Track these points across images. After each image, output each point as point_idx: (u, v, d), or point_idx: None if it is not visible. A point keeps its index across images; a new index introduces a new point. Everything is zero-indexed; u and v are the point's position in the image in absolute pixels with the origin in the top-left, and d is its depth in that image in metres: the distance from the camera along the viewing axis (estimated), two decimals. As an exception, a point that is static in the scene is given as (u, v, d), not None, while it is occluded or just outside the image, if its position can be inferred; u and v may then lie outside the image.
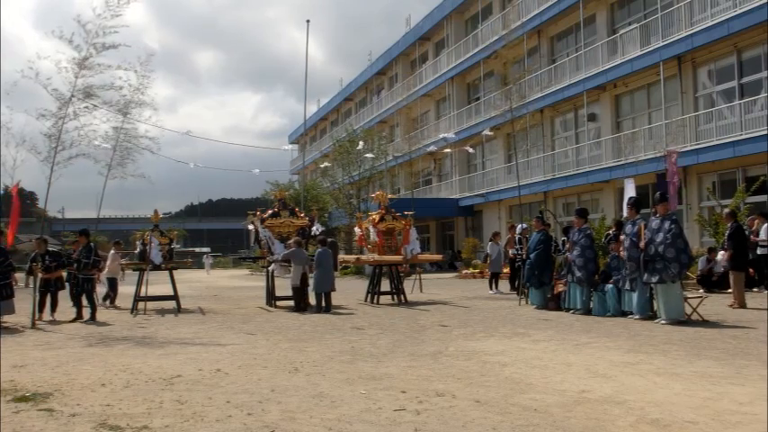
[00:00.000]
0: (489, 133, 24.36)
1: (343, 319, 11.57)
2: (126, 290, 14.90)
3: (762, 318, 10.04)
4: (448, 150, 29.70)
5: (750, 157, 19.23)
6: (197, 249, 71.62)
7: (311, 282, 13.35)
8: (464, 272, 27.03)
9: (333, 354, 7.61)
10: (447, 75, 37.05)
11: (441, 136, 26.48)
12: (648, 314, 10.28)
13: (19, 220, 13.24)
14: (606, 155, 25.18)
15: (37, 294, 12.08)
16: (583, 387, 5.51)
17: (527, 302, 13.41)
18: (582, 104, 26.75)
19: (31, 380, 6.31)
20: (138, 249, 14.64)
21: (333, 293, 13.54)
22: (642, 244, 9.99)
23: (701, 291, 14.05)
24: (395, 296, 14.99)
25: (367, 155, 30.25)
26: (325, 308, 12.86)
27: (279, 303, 14.54)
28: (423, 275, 20.09)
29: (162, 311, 13.84)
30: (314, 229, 15.33)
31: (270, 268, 14.72)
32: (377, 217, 15.72)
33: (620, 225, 12.06)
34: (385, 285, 15.67)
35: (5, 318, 12.14)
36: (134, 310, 13.72)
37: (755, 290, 14.60)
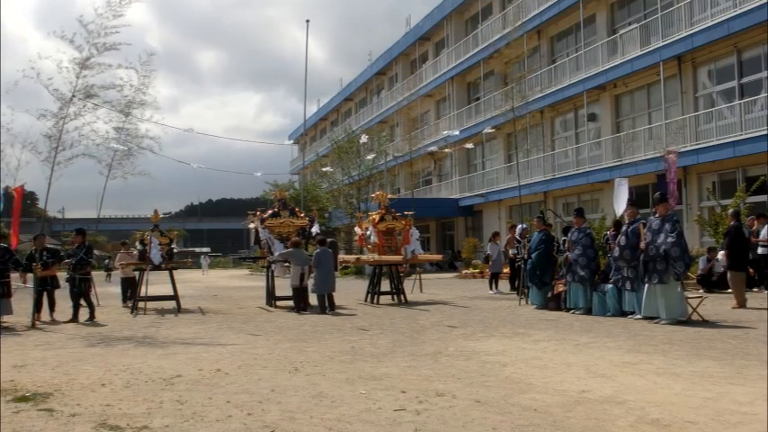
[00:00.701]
0: (490, 131, 24.39)
1: (344, 319, 11.57)
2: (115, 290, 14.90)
3: (762, 318, 10.04)
4: (448, 150, 29.70)
5: (750, 157, 19.23)
6: (197, 249, 71.62)
7: (310, 283, 13.31)
8: (464, 272, 27.03)
9: (333, 354, 7.61)
10: (447, 75, 37.05)
11: (445, 133, 26.45)
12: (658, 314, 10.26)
13: (19, 221, 13.23)
14: (606, 155, 25.18)
15: (36, 294, 12.06)
16: (583, 387, 5.51)
17: (527, 302, 13.41)
18: (582, 104, 26.75)
19: (31, 380, 6.31)
20: (138, 249, 14.62)
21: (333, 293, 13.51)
22: (643, 245, 9.98)
23: (701, 291, 14.05)
24: (395, 296, 14.99)
25: (368, 156, 30.19)
26: (329, 308, 12.81)
27: (279, 303, 14.54)
28: (423, 275, 20.09)
29: (162, 311, 13.84)
30: (314, 229, 15.33)
31: (272, 268, 14.73)
32: (377, 217, 15.72)
33: (618, 225, 12.06)
34: (385, 285, 15.67)
35: (5, 318, 12.14)
36: (134, 310, 13.73)
37: (755, 290, 14.60)
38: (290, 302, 13.88)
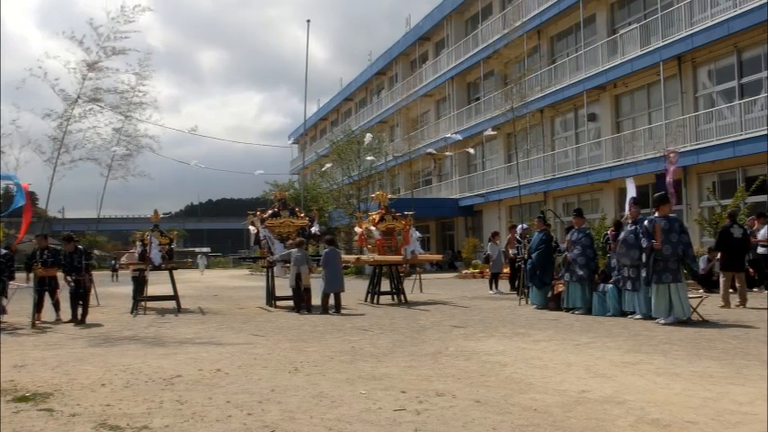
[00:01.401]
0: (492, 133, 24.37)
1: (344, 319, 11.56)
2: (125, 290, 14.89)
3: (762, 318, 10.04)
4: (448, 153, 29.70)
5: (750, 157, 19.23)
6: (197, 249, 71.57)
7: (317, 282, 13.25)
8: (464, 272, 27.03)
9: (333, 354, 7.61)
10: (447, 75, 37.05)
11: (446, 136, 26.43)
12: (650, 314, 10.27)
13: (30, 219, 13.14)
14: (606, 155, 25.18)
15: (35, 294, 12.06)
16: (583, 387, 5.51)
17: (527, 302, 13.41)
18: (582, 104, 26.76)
19: (31, 380, 6.31)
20: (138, 249, 14.61)
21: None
22: (657, 244, 9.91)
23: (701, 291, 14.05)
24: (395, 296, 14.99)
25: (368, 157, 30.11)
26: (335, 309, 12.77)
27: (279, 303, 14.54)
28: (423, 275, 20.09)
29: (162, 311, 13.84)
30: (314, 228, 15.33)
31: (275, 268, 14.72)
32: (377, 217, 15.72)
33: (618, 225, 12.05)
34: (385, 285, 15.67)
35: (6, 318, 12.15)
36: (134, 310, 13.73)
37: (755, 290, 14.60)
38: (291, 302, 13.88)
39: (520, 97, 17.74)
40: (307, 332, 9.80)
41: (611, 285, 11.17)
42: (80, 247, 12.86)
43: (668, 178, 13.13)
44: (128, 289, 15.68)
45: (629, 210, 11.25)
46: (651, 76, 23.52)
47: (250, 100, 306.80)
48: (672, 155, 13.38)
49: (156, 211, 15.41)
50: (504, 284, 17.89)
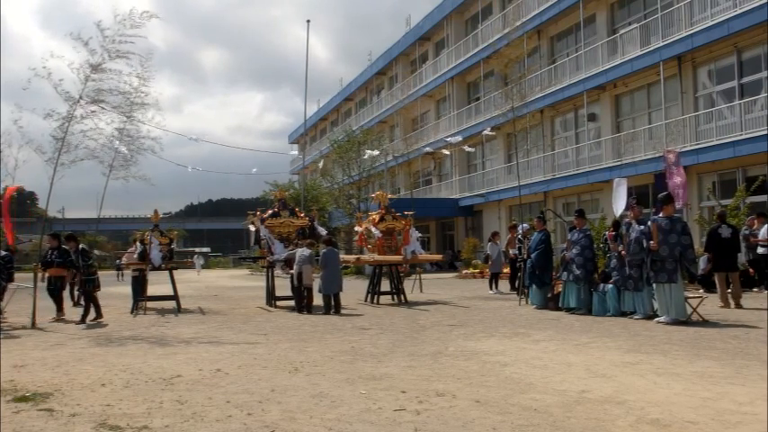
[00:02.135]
0: (491, 133, 24.37)
1: (344, 319, 11.57)
2: (125, 290, 14.89)
3: (762, 318, 10.05)
4: (446, 152, 29.66)
5: (750, 157, 19.22)
6: (197, 249, 71.53)
7: (317, 283, 13.25)
8: (464, 272, 27.03)
9: (333, 354, 7.61)
10: (447, 75, 37.05)
11: (448, 139, 26.36)
12: (650, 314, 10.28)
13: (12, 219, 13.18)
14: (606, 155, 25.18)
15: (37, 294, 12.06)
16: (583, 387, 5.51)
17: (527, 302, 13.41)
18: (582, 104, 26.75)
19: (31, 380, 6.31)
20: (137, 250, 14.60)
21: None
22: (654, 245, 9.94)
23: (701, 291, 14.05)
24: (395, 296, 14.99)
25: (373, 152, 29.96)
26: (335, 310, 12.77)
27: (279, 303, 14.53)
28: (423, 275, 20.09)
29: (162, 311, 13.84)
30: (321, 229, 15.33)
31: (273, 268, 14.72)
32: (377, 217, 15.72)
33: (617, 226, 12.05)
34: (385, 285, 15.67)
35: (6, 318, 12.15)
36: (134, 310, 13.73)
37: (755, 290, 14.61)
38: (291, 302, 13.88)
39: (520, 97, 17.71)
40: (307, 332, 9.80)
41: (611, 285, 11.18)
42: (82, 246, 12.88)
43: (678, 179, 13.17)
44: (128, 289, 15.67)
45: (631, 210, 11.24)
46: (651, 76, 23.51)
47: (252, 99, 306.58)
48: (671, 155, 13.41)
49: (156, 211, 15.42)
50: (504, 284, 17.89)
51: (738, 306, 11.74)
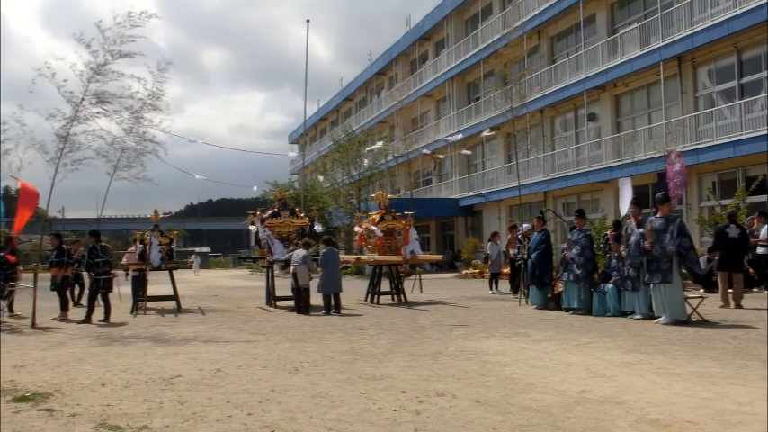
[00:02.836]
0: (490, 134, 24.36)
1: (344, 319, 11.57)
2: (125, 290, 14.89)
3: (762, 318, 10.05)
4: (441, 157, 29.67)
5: (750, 157, 19.22)
6: (196, 249, 71.48)
7: (315, 283, 13.24)
8: (464, 272, 27.02)
9: (333, 354, 7.61)
10: (447, 75, 37.04)
11: (445, 137, 26.36)
12: (649, 314, 10.28)
13: (28, 215, 13.06)
14: (606, 155, 25.18)
15: (38, 294, 12.06)
16: (583, 387, 5.51)
17: (527, 302, 13.41)
18: (582, 104, 26.75)
19: (31, 380, 6.31)
20: (138, 250, 14.60)
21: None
22: (648, 245, 9.96)
23: (701, 291, 14.05)
24: (395, 296, 14.99)
25: (376, 145, 29.77)
26: (335, 309, 12.77)
27: (279, 303, 14.53)
28: (423, 275, 20.09)
29: (162, 311, 13.84)
30: (316, 227, 15.33)
31: (273, 268, 14.71)
32: (377, 217, 15.73)
33: (618, 226, 12.06)
34: (385, 285, 15.67)
35: (6, 318, 12.16)
36: (134, 310, 13.72)
37: (755, 290, 14.60)
38: (291, 302, 13.87)
39: (519, 97, 17.71)
40: (307, 332, 9.80)
41: (611, 285, 11.18)
42: (92, 243, 12.79)
43: (681, 178, 13.16)
44: (123, 289, 15.70)
45: (631, 210, 11.25)
46: (651, 76, 23.51)
47: (254, 99, 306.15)
48: (673, 155, 13.40)
49: (156, 211, 15.42)
50: (504, 284, 17.89)
51: (739, 306, 11.74)
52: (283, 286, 15.12)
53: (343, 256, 19.82)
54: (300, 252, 13.08)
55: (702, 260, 15.70)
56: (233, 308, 14.62)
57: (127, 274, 14.89)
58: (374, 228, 15.46)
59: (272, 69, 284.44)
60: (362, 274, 27.66)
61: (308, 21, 32.14)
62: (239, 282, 29.60)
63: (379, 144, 28.58)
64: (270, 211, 15.30)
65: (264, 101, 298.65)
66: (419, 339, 8.70)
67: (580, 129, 27.74)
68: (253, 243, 16.40)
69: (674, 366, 6.37)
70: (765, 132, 18.26)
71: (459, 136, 25.39)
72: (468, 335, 9.06)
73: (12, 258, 13.11)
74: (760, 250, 14.50)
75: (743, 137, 19.22)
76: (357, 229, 16.64)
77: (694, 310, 10.15)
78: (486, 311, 12.39)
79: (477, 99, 35.03)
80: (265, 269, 15.94)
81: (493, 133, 26.65)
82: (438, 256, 22.98)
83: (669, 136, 21.42)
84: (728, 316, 10.54)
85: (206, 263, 60.51)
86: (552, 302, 12.47)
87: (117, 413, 4.93)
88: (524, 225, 17.01)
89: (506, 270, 18.50)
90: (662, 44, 22.11)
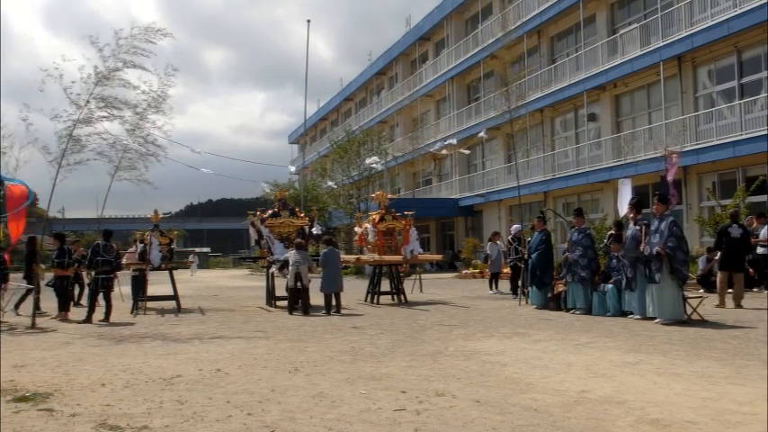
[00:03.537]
0: (486, 135, 24.33)
1: (344, 319, 11.57)
2: (125, 290, 14.90)
3: (762, 318, 10.04)
4: (445, 153, 29.71)
5: (750, 157, 19.23)
6: (197, 249, 71.46)
7: (314, 282, 13.22)
8: (464, 272, 27.03)
9: (333, 354, 7.61)
10: (447, 75, 37.04)
11: (445, 143, 26.35)
12: (648, 314, 10.28)
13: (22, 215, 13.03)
14: (606, 155, 25.18)
15: (37, 294, 12.07)
16: (583, 387, 5.51)
17: (527, 302, 13.41)
18: (582, 104, 26.76)
19: (31, 380, 6.31)
20: (138, 250, 14.60)
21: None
22: (642, 247, 9.99)
23: (701, 291, 14.06)
24: (395, 296, 14.99)
25: (370, 159, 29.80)
26: (335, 309, 12.76)
27: (279, 303, 14.53)
28: (423, 275, 20.10)
29: (162, 311, 13.84)
30: (314, 229, 15.32)
31: (272, 268, 14.70)
32: (377, 217, 15.73)
33: (619, 226, 12.06)
34: (385, 285, 15.67)
35: (6, 318, 12.16)
36: (134, 310, 13.72)
37: (755, 290, 14.60)
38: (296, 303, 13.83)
39: (519, 97, 17.74)
40: (307, 332, 9.80)
41: (611, 285, 11.18)
42: (97, 242, 12.78)
43: (669, 178, 13.17)
44: (123, 289, 15.73)
45: (629, 211, 11.26)
46: (651, 76, 23.52)
47: (255, 99, 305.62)
48: (673, 156, 13.40)
49: (156, 212, 15.43)
50: (504, 284, 17.89)
51: (739, 306, 11.74)
52: (283, 286, 15.10)
53: (343, 256, 19.84)
54: (298, 254, 13.01)
55: (702, 260, 15.73)
56: (233, 308, 14.62)
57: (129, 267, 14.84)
58: (369, 226, 15.47)
59: (274, 69, 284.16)
60: (362, 274, 27.65)
61: (308, 21, 32.18)
62: (239, 282, 29.59)
63: (374, 159, 28.58)
64: (270, 211, 15.30)
65: (266, 100, 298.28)
66: (419, 339, 8.70)
67: (580, 129, 27.75)
68: (253, 243, 16.40)
69: (674, 366, 6.36)
70: (765, 132, 18.26)
71: (454, 141, 25.37)
72: (468, 335, 9.06)
73: (8, 258, 13.14)
74: (760, 250, 14.48)
75: (743, 137, 19.23)
76: (357, 229, 16.65)
77: (694, 309, 10.15)
78: (486, 311, 12.39)
79: (477, 99, 35.04)
80: (265, 269, 15.94)
81: (486, 135, 26.63)
82: (438, 256, 22.99)
83: (669, 137, 21.42)
84: (728, 316, 10.54)
85: (206, 263, 60.52)
86: (552, 302, 12.47)
87: (117, 413, 4.93)
88: (514, 226, 17.05)
89: (506, 270, 18.51)
90: (662, 44, 22.12)
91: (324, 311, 12.71)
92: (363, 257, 16.47)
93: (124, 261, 14.81)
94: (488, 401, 5.08)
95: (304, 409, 4.94)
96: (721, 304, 11.79)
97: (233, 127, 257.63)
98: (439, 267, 32.58)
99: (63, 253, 12.93)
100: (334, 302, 12.84)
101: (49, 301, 13.50)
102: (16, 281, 14.24)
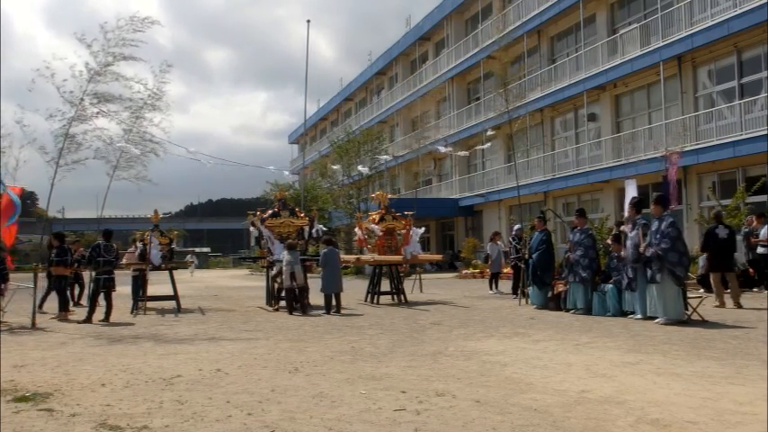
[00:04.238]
0: (491, 133, 24.30)
1: (343, 319, 11.57)
2: (125, 290, 14.90)
3: (762, 318, 10.04)
4: (443, 150, 29.61)
5: (750, 157, 19.22)
6: (196, 249, 71.42)
7: (314, 283, 13.21)
8: (464, 272, 27.02)
9: (333, 354, 7.61)
10: (447, 75, 37.04)
11: (442, 149, 26.27)
12: (649, 314, 10.28)
13: (14, 218, 13.03)
14: (606, 155, 25.18)
15: (37, 294, 12.07)
16: (583, 387, 5.51)
17: (527, 302, 13.41)
18: (582, 104, 26.75)
19: (31, 380, 6.31)
20: (138, 250, 14.59)
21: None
22: (642, 248, 9.99)
23: (701, 291, 14.05)
24: (395, 296, 14.99)
25: (364, 169, 29.67)
26: (336, 309, 12.76)
27: (281, 303, 14.51)
28: (423, 275, 20.10)
29: (162, 311, 13.84)
30: (314, 230, 15.31)
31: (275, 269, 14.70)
32: (377, 217, 15.73)
33: (620, 226, 12.06)
34: (385, 285, 15.67)
35: (6, 318, 12.16)
36: (134, 310, 13.72)
37: (755, 290, 14.60)
38: (295, 303, 13.83)
39: (519, 97, 17.72)
40: (307, 332, 9.80)
41: (611, 285, 11.18)
42: (98, 242, 12.77)
43: (671, 178, 13.18)
44: (123, 289, 15.74)
45: (629, 211, 11.27)
46: (651, 76, 23.51)
47: (256, 99, 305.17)
48: (674, 156, 13.41)
49: (156, 211, 15.42)
50: (504, 285, 17.89)
51: (738, 306, 11.74)
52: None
53: (343, 256, 19.83)
54: (291, 255, 12.98)
55: (702, 260, 15.70)
56: (233, 308, 14.61)
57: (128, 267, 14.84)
58: (374, 227, 15.46)
59: (276, 69, 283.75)
60: (362, 274, 27.64)
61: (308, 21, 32.18)
62: (239, 282, 29.58)
63: (365, 170, 28.50)
64: (270, 211, 15.30)
65: (267, 100, 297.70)
66: (419, 339, 8.70)
67: (580, 129, 27.74)
68: (253, 243, 16.40)
69: (674, 366, 6.36)
70: (765, 132, 18.25)
71: (450, 149, 25.34)
72: (468, 335, 9.06)
73: (9, 258, 13.15)
74: (760, 250, 14.49)
75: (743, 137, 19.22)
76: (357, 230, 16.64)
77: (694, 309, 10.14)
78: (486, 311, 12.39)
79: (477, 99, 35.03)
80: (265, 269, 15.94)
81: (494, 133, 26.62)
82: (438, 256, 22.98)
83: (670, 137, 21.41)
84: (728, 316, 10.54)
85: (206, 263, 60.44)
86: (552, 302, 12.47)
87: (117, 413, 4.93)
88: (516, 226, 17.05)
89: (506, 270, 18.50)
90: (662, 44, 22.11)
91: (324, 311, 12.71)
92: (363, 257, 16.47)
93: (124, 261, 14.81)
94: (488, 401, 5.08)
95: (304, 409, 4.94)
96: (721, 304, 11.80)
97: (234, 127, 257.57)
98: (439, 267, 32.58)
99: (63, 252, 12.92)
100: (334, 302, 12.85)
101: (50, 301, 13.51)
102: (16, 281, 14.24)
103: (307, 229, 15.23)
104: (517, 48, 27.19)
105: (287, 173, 35.37)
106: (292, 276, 12.82)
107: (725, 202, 18.38)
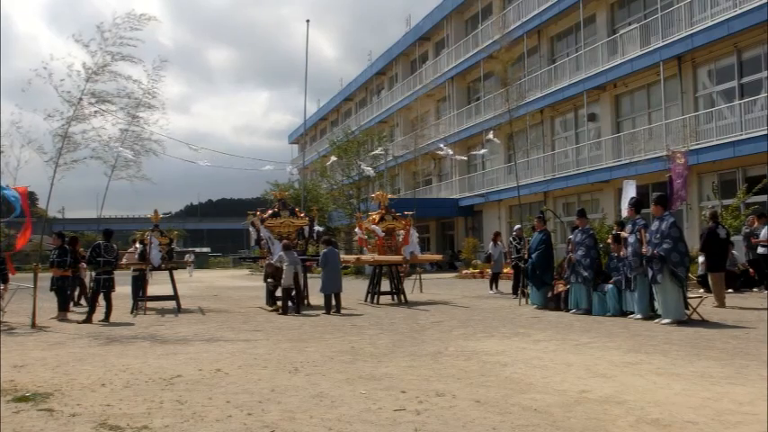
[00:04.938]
0: (493, 138, 24.29)
1: (344, 319, 11.57)
2: (125, 290, 14.90)
3: (762, 318, 10.04)
4: (442, 152, 29.56)
5: (750, 157, 19.23)
6: (196, 249, 71.43)
7: (314, 282, 13.22)
8: (464, 272, 27.03)
9: (333, 354, 7.61)
10: (447, 75, 37.05)
11: (442, 153, 26.26)
12: (649, 314, 10.28)
13: (29, 222, 13.11)
14: (606, 155, 25.18)
15: (37, 294, 12.06)
16: (583, 387, 5.51)
17: (527, 302, 13.41)
18: (582, 104, 26.75)
19: (31, 380, 6.31)
20: (138, 250, 14.59)
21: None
22: (644, 248, 9.98)
23: (701, 291, 14.04)
24: (395, 296, 14.99)
25: (367, 170, 29.66)
26: (336, 309, 12.77)
27: (279, 303, 14.51)
28: (423, 275, 20.09)
29: (162, 311, 13.84)
30: (314, 233, 15.31)
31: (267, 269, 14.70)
32: (377, 217, 15.73)
33: (622, 225, 12.06)
34: (385, 285, 15.67)
35: (6, 318, 12.15)
36: (134, 310, 13.72)
37: (755, 290, 14.60)
38: (290, 303, 13.84)
39: (519, 97, 17.74)
40: (307, 332, 9.80)
41: (611, 285, 11.18)
42: (98, 242, 12.77)
43: (678, 179, 13.16)
44: (123, 289, 15.74)
45: (627, 211, 11.28)
46: (651, 76, 23.51)
47: (258, 99, 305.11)
48: (678, 155, 13.38)
49: (155, 212, 15.43)
50: (504, 285, 17.89)
51: (722, 305, 11.76)
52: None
53: (343, 256, 19.83)
54: (289, 256, 12.97)
55: (702, 260, 15.70)
56: (233, 308, 14.62)
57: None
58: (375, 227, 15.46)
59: (278, 69, 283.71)
60: (362, 274, 27.64)
61: (307, 21, 32.14)
62: (239, 282, 29.59)
63: (370, 170, 28.47)
64: (270, 211, 15.30)
65: (269, 100, 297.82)
66: (419, 339, 8.70)
67: (580, 129, 27.75)
68: (253, 243, 16.40)
69: (674, 366, 6.36)
70: (765, 132, 18.26)
71: (450, 152, 25.33)
72: (468, 335, 9.05)
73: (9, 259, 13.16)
74: (760, 250, 14.49)
75: (743, 137, 19.23)
76: (357, 230, 16.64)
77: (694, 309, 10.14)
78: (486, 311, 12.39)
79: (477, 99, 35.04)
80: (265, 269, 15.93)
81: (497, 140, 26.64)
82: (438, 256, 22.99)
83: (670, 136, 21.41)
84: (728, 316, 10.53)
85: (206, 263, 60.48)
86: (552, 302, 12.46)
87: (117, 413, 4.93)
88: (516, 226, 17.05)
89: (507, 270, 18.49)
90: (662, 44, 22.11)
91: (324, 311, 12.71)
92: (363, 257, 16.47)
93: (124, 261, 14.82)
94: (488, 401, 5.07)
95: (304, 409, 4.94)
96: (721, 304, 11.79)
97: (236, 126, 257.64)
98: (439, 267, 32.58)
99: (63, 252, 12.92)
100: (334, 302, 12.85)
101: (50, 301, 13.51)
102: (16, 281, 14.25)
103: (307, 229, 15.24)
104: (517, 48, 27.13)
105: (290, 168, 35.55)
106: (295, 277, 12.85)
107: (726, 202, 18.38)
